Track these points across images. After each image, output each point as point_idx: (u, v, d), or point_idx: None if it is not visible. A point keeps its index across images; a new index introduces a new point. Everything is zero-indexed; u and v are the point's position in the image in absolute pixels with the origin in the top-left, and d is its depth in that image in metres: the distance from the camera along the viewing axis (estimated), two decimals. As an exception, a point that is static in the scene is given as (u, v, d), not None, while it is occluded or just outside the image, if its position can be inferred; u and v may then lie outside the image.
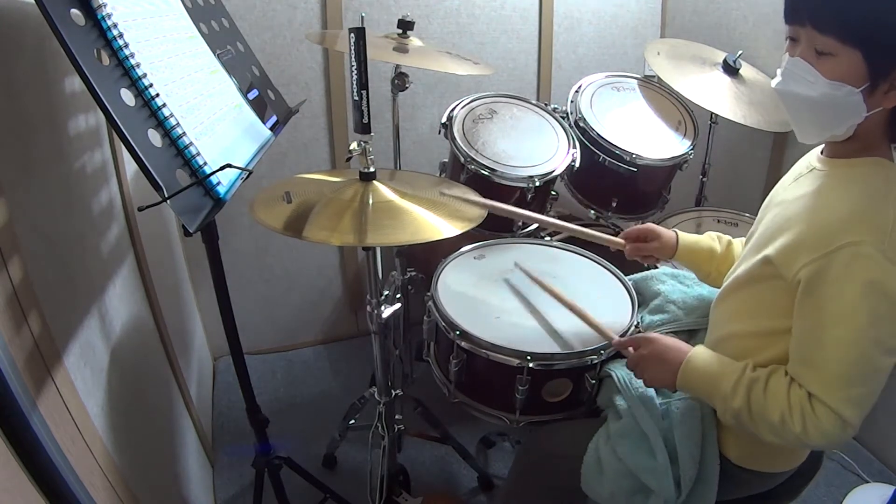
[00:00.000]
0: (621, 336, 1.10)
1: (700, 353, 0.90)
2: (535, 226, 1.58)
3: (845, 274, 0.74)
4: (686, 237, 1.14)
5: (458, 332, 1.10)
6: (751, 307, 0.91)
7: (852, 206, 0.77)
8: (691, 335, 1.13)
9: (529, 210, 1.52)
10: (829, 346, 0.76)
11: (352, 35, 0.90)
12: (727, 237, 1.14)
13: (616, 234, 1.72)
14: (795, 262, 0.78)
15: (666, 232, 1.15)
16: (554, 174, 1.49)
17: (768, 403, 0.80)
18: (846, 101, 0.76)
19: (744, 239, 1.11)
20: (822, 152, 0.88)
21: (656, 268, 1.31)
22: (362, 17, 1.18)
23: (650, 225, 1.17)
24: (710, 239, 1.13)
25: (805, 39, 0.78)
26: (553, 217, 1.80)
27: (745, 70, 1.74)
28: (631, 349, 0.97)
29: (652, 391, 1.00)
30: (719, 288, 1.02)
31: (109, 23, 0.74)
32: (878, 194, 0.77)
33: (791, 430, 0.77)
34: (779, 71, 0.82)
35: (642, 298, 1.25)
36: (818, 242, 0.76)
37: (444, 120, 1.53)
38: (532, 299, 1.21)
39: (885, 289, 0.73)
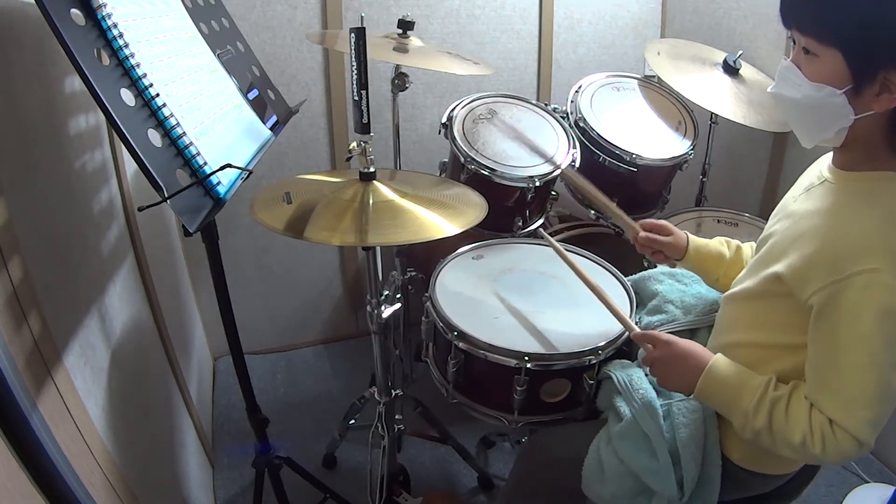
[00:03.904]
0: (618, 338, 1.10)
1: (720, 364, 0.87)
2: (535, 226, 1.58)
3: (861, 300, 0.73)
4: (696, 240, 1.13)
5: (455, 333, 1.10)
6: (761, 320, 0.90)
7: (866, 230, 0.75)
8: (692, 334, 1.12)
9: (529, 209, 1.53)
10: (845, 372, 0.76)
11: (352, 35, 0.90)
12: (736, 242, 1.13)
13: (617, 234, 1.74)
14: (808, 285, 0.78)
15: (679, 231, 1.15)
16: (554, 174, 1.49)
17: (790, 425, 0.79)
18: (829, 103, 0.77)
19: (752, 244, 1.11)
20: (832, 161, 0.87)
21: (654, 267, 1.31)
22: (362, 17, 1.18)
23: (666, 222, 1.16)
24: (720, 244, 1.13)
25: (797, 40, 0.79)
26: (555, 215, 1.82)
27: (745, 70, 1.74)
28: (649, 346, 0.95)
29: (653, 393, 1.00)
30: (723, 293, 1.01)
31: (109, 23, 0.75)
32: (892, 216, 0.76)
33: (811, 451, 0.77)
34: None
35: (640, 299, 1.25)
36: (832, 267, 0.75)
37: (444, 120, 1.53)
38: (531, 299, 1.21)
39: None
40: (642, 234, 1.16)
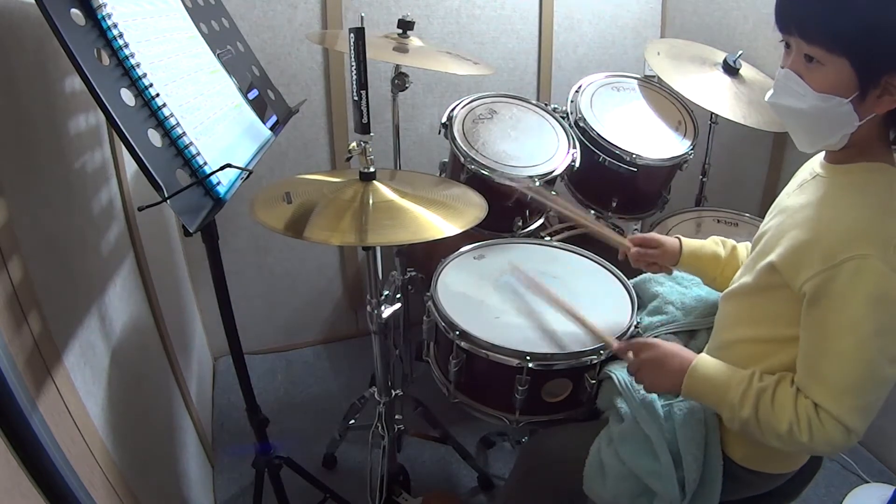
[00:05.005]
0: (620, 337, 1.10)
1: (705, 361, 0.88)
2: (535, 225, 1.58)
3: (850, 286, 0.73)
4: (690, 243, 1.13)
5: (457, 333, 1.10)
6: (759, 314, 0.90)
7: (857, 218, 0.76)
8: (692, 335, 1.13)
9: (529, 209, 1.53)
10: (834, 358, 0.76)
11: (351, 35, 0.90)
12: (731, 241, 1.13)
13: (618, 234, 1.73)
14: (801, 274, 0.78)
15: (669, 239, 1.14)
16: (554, 174, 1.49)
17: (776, 414, 0.79)
18: (836, 112, 0.76)
19: (748, 244, 1.11)
20: (824, 157, 0.88)
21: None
22: (362, 17, 1.18)
23: (653, 234, 1.17)
24: (714, 244, 1.13)
25: (795, 47, 0.79)
26: (555, 215, 1.82)
27: (745, 70, 1.74)
28: (631, 354, 0.96)
29: (654, 394, 1.00)
30: (722, 292, 1.01)
31: (109, 23, 0.75)
32: (883, 205, 0.77)
33: (798, 439, 0.78)
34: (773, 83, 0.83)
35: (641, 301, 1.24)
36: (824, 255, 0.76)
37: (444, 120, 1.53)
38: (532, 299, 1.21)
39: (890, 300, 0.73)
40: (633, 249, 1.16)
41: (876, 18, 0.71)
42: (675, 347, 0.92)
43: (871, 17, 0.71)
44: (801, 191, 0.89)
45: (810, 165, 0.92)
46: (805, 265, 0.78)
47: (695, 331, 1.13)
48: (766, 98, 0.85)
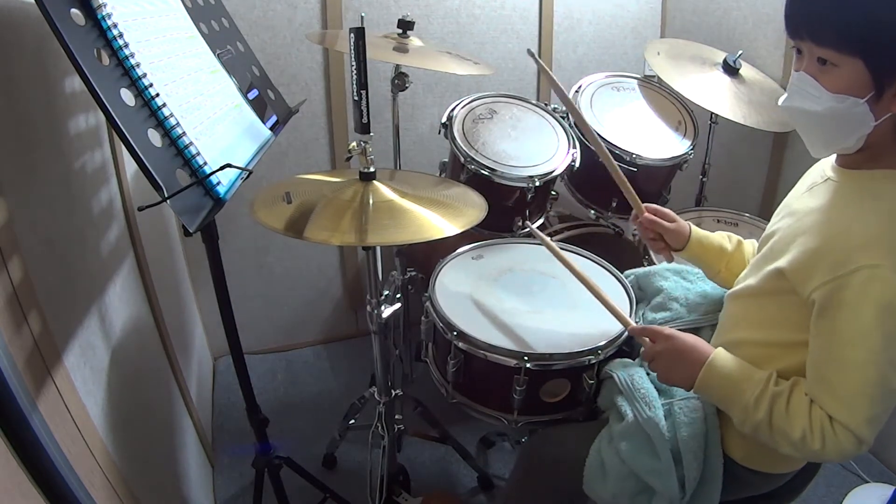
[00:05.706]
0: (618, 338, 1.10)
1: (722, 357, 0.87)
2: (535, 225, 1.58)
3: (861, 296, 0.73)
4: (698, 231, 1.12)
5: (455, 333, 1.10)
6: (763, 317, 0.90)
7: (869, 226, 0.75)
8: (695, 332, 1.12)
9: (529, 209, 1.53)
10: (845, 368, 0.76)
11: (352, 35, 0.90)
12: (738, 237, 1.13)
13: (616, 235, 1.74)
14: (810, 281, 0.78)
15: (682, 221, 1.13)
16: (554, 174, 1.49)
17: (790, 420, 0.79)
18: (852, 113, 0.76)
19: (754, 241, 1.11)
20: (836, 161, 0.87)
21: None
22: (362, 17, 1.18)
23: (669, 210, 1.14)
24: (721, 237, 1.13)
25: (807, 52, 0.78)
26: (556, 215, 1.82)
27: (745, 70, 1.74)
28: (647, 340, 0.95)
29: (655, 393, 0.99)
30: (726, 287, 1.01)
31: (109, 23, 0.75)
32: (895, 212, 0.76)
33: (810, 446, 0.77)
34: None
35: (644, 294, 1.24)
36: (834, 263, 0.75)
37: (444, 120, 1.53)
38: (530, 299, 1.21)
39: None
40: (646, 214, 1.13)
41: (883, 15, 0.70)
42: (693, 340, 0.91)
43: (879, 14, 0.70)
44: (811, 194, 0.88)
45: (821, 167, 0.91)
46: (815, 273, 0.77)
47: (699, 328, 1.13)
48: (780, 102, 0.84)
